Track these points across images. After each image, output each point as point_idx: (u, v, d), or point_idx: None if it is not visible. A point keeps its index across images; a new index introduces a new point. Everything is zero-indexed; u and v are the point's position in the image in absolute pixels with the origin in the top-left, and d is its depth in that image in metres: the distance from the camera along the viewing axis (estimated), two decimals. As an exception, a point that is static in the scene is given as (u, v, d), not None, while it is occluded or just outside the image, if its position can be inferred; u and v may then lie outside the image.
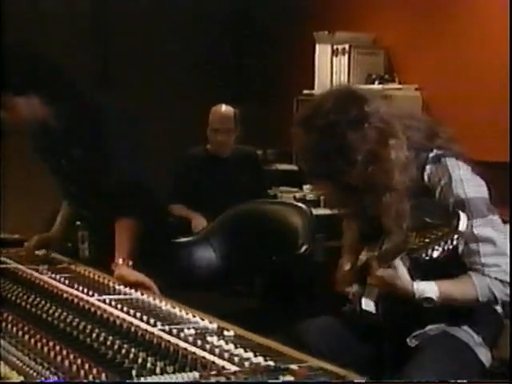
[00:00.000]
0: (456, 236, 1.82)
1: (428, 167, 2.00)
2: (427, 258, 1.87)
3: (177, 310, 1.86)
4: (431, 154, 2.01)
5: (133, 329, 1.68)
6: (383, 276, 1.95)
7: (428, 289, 1.96)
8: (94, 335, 1.63)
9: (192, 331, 1.66)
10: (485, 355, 2.02)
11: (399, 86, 4.36)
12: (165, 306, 1.91)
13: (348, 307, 2.17)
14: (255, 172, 4.25)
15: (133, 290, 2.10)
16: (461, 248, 1.95)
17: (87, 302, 1.94)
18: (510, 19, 3.74)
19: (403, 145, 1.94)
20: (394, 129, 1.94)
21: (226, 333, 1.67)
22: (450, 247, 1.84)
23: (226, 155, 4.14)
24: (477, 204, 1.96)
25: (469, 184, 1.97)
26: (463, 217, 1.81)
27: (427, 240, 1.84)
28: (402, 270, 1.95)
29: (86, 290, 2.05)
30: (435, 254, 1.85)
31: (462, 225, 1.80)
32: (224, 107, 4.12)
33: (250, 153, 4.29)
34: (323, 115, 1.90)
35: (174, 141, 4.74)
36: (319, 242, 3.36)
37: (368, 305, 2.08)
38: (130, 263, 2.29)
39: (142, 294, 2.05)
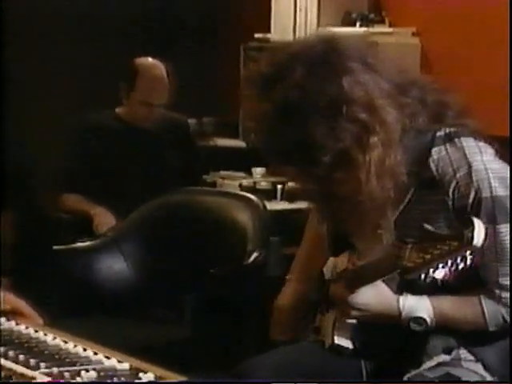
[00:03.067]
0: (469, 252, 1.81)
1: (435, 150, 1.99)
2: (427, 280, 1.88)
3: (70, 346, 1.84)
4: (439, 133, 2.00)
5: (3, 373, 1.66)
6: (354, 305, 1.99)
7: (418, 306, 1.99)
8: None
9: (93, 374, 1.64)
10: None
11: (390, 30, 4.39)
12: (52, 339, 1.89)
13: (313, 338, 2.18)
14: (186, 149, 4.23)
15: (3, 319, 2.05)
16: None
17: None
18: (510, 18, 3.84)
19: (391, 140, 1.92)
20: (382, 118, 1.90)
21: (141, 375, 1.65)
22: (460, 267, 1.83)
23: (146, 126, 4.11)
24: (504, 204, 1.96)
25: (496, 175, 1.96)
26: (479, 226, 1.80)
27: (428, 256, 1.84)
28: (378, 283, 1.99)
29: None
30: (439, 276, 1.85)
31: (478, 237, 1.79)
32: (161, 72, 4.04)
33: (179, 123, 4.27)
34: (286, 87, 1.87)
35: (74, 106, 4.69)
36: (275, 247, 3.38)
37: (341, 339, 2.09)
38: (7, 282, 2.26)
39: (18, 324, 2.02)
